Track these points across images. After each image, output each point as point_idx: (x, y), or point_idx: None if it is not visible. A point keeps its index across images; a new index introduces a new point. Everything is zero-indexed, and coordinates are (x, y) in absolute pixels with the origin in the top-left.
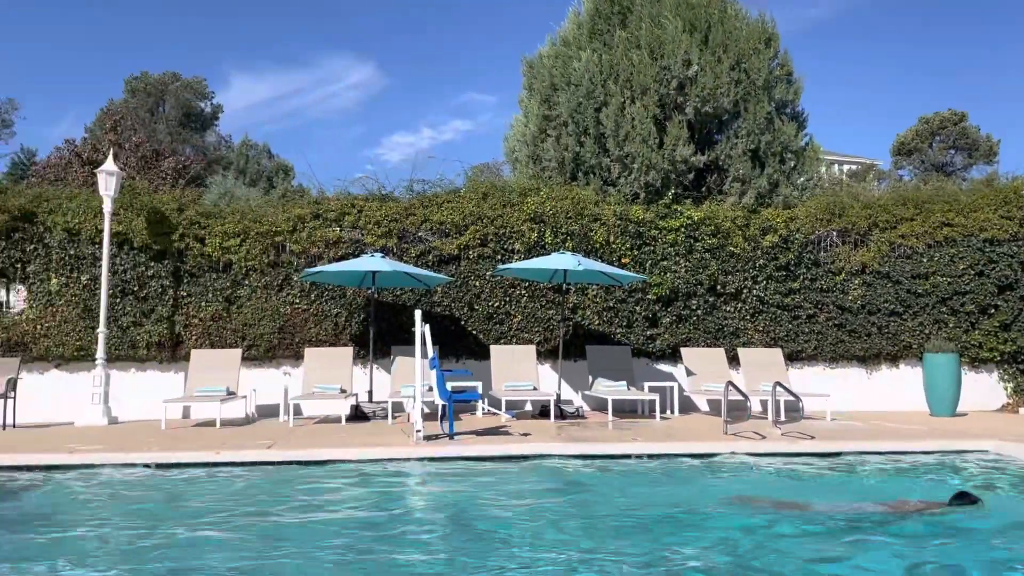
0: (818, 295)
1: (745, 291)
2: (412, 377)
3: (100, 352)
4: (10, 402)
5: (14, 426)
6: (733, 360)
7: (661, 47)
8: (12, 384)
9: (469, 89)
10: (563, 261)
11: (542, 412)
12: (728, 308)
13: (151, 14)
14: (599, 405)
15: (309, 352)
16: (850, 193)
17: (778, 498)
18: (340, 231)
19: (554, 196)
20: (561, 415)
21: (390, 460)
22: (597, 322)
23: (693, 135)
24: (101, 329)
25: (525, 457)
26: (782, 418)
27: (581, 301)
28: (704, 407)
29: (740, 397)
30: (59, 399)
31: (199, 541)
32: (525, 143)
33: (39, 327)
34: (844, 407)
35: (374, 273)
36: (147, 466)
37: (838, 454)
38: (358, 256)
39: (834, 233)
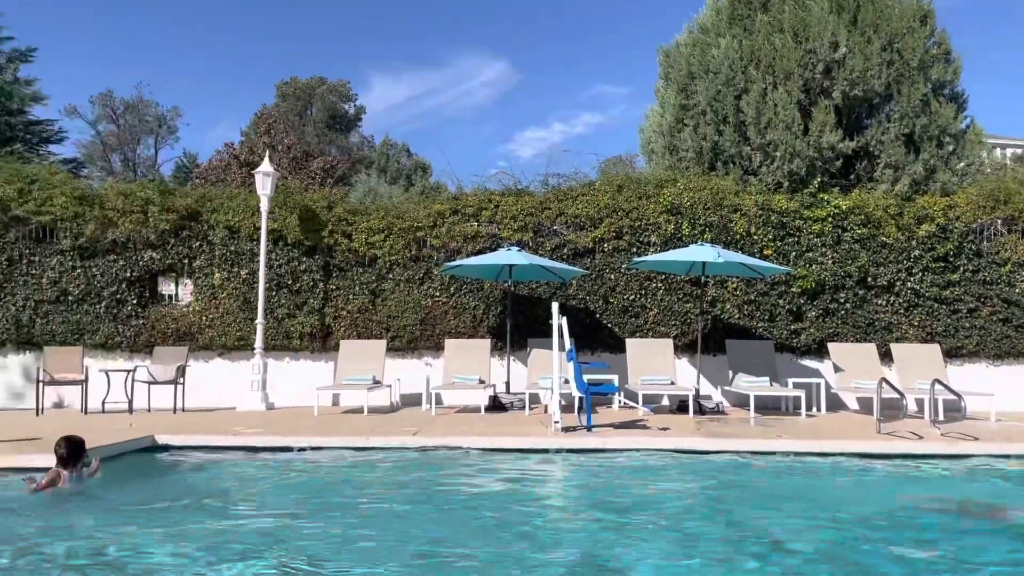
0: (980, 288)
1: (899, 283)
2: (548, 369)
3: (258, 342)
4: (180, 388)
5: (183, 410)
6: (885, 356)
7: (806, 30)
8: (181, 371)
9: (600, 82)
10: (702, 253)
11: (680, 407)
12: (880, 301)
13: (299, 22)
14: (740, 401)
15: (449, 343)
16: (1016, 178)
17: (965, 500)
18: (478, 226)
19: (692, 187)
20: (700, 410)
21: (530, 450)
22: (737, 316)
23: (840, 120)
24: (259, 320)
25: (664, 451)
26: (941, 418)
27: (720, 294)
28: (853, 405)
29: (895, 395)
30: (222, 385)
31: (355, 518)
32: (661, 134)
33: (204, 318)
34: (1010, 407)
35: (511, 267)
36: (303, 449)
37: (1006, 456)
38: (495, 250)
39: (998, 221)
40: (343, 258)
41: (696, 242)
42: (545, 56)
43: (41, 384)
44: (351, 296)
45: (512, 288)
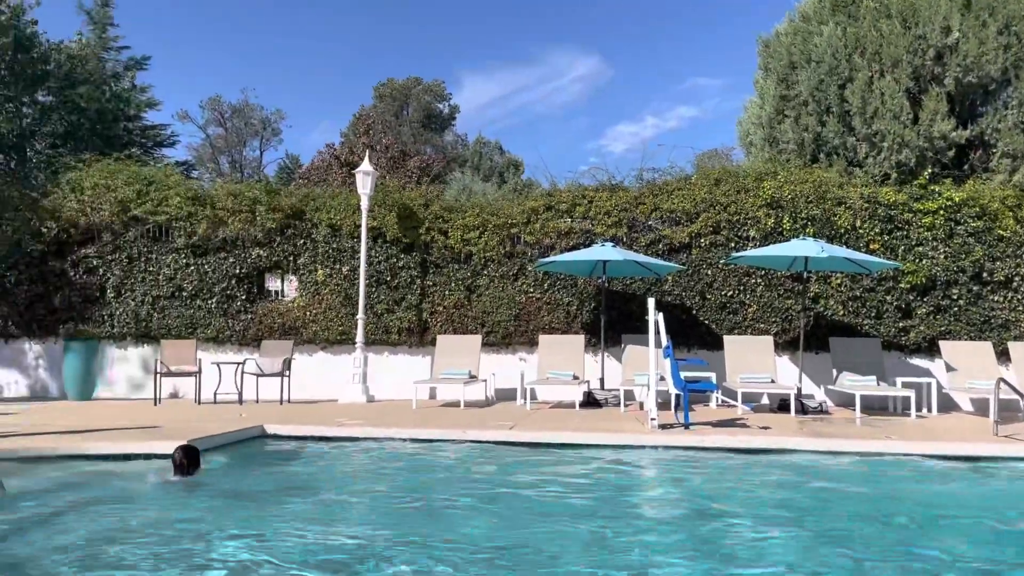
0: None
1: (1017, 279)
2: (643, 365)
3: (359, 336)
4: (285, 380)
5: (289, 401)
6: (1002, 355)
7: (915, 15)
8: (287, 364)
9: (695, 74)
10: (804, 248)
11: (780, 406)
12: (996, 298)
13: (395, 24)
14: (844, 401)
15: (543, 339)
16: None
17: None
18: (571, 222)
19: (793, 179)
20: (802, 409)
21: (627, 446)
22: (842, 312)
23: (953, 108)
24: (360, 315)
25: (766, 451)
26: None
27: (824, 290)
28: (967, 406)
29: (1015, 396)
30: (324, 378)
31: (452, 508)
32: (760, 125)
33: (308, 313)
34: None
35: (605, 262)
36: (403, 440)
37: None
38: (589, 246)
39: None
40: (439, 255)
41: (798, 236)
42: (638, 50)
43: (158, 375)
44: (447, 292)
45: (606, 284)
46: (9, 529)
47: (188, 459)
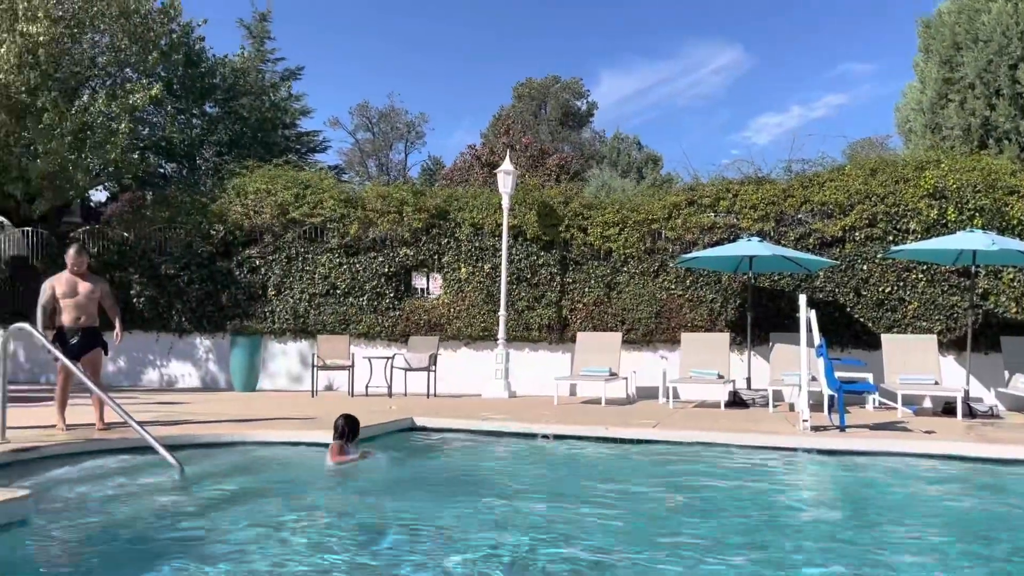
0: None
1: None
2: (792, 364)
3: (501, 333)
4: (432, 374)
5: (435, 395)
6: None
7: None
8: (433, 359)
9: (844, 60)
10: (972, 240)
11: (945, 409)
12: None
13: (533, 24)
14: (1017, 405)
15: (685, 337)
16: None
17: None
18: (715, 216)
19: (958, 168)
20: (970, 413)
21: (778, 448)
22: (1015, 310)
23: None
24: (501, 312)
25: (929, 456)
26: None
27: (994, 286)
28: None
29: None
30: (468, 373)
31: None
32: (921, 111)
33: (452, 310)
34: None
35: (751, 258)
36: (546, 436)
37: None
38: (733, 241)
39: None
40: (579, 252)
41: (964, 229)
42: (782, 38)
43: (315, 369)
44: (587, 289)
45: (752, 280)
46: (190, 510)
47: (349, 427)
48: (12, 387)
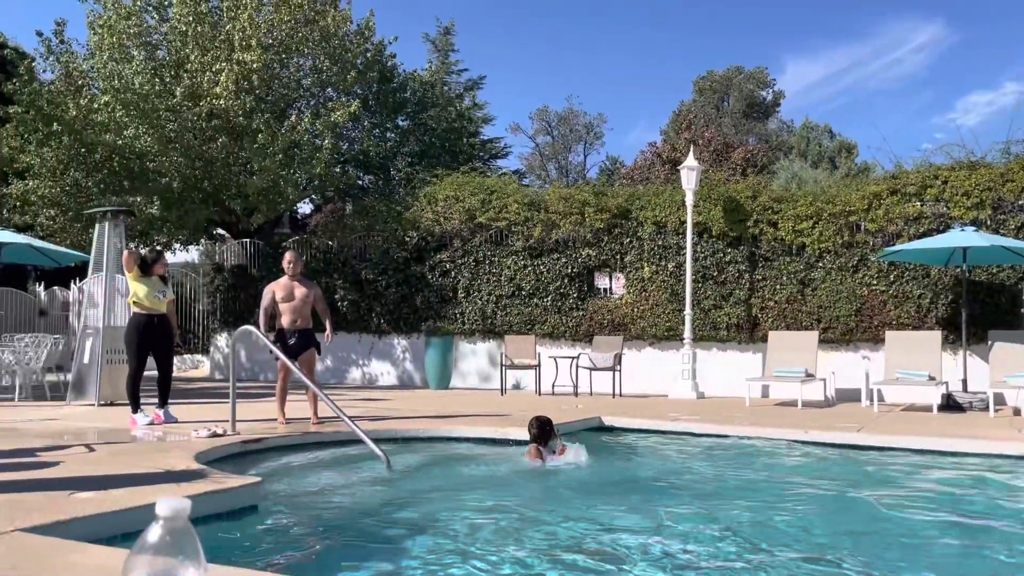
0: None
1: None
2: (1015, 365)
3: (687, 332)
4: (617, 374)
5: (620, 395)
6: None
7: None
8: (618, 359)
9: None
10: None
11: None
12: None
13: (711, 16)
14: None
15: (890, 336)
16: None
17: None
18: (921, 205)
19: None
20: None
21: (1006, 456)
22: None
23: None
24: (687, 311)
25: None
26: None
27: None
28: None
29: None
30: (653, 373)
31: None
32: None
33: (635, 310)
34: None
35: (965, 249)
36: (740, 438)
37: None
38: (943, 231)
39: None
40: (769, 247)
41: None
42: (991, 8)
43: (503, 368)
44: (778, 286)
45: (967, 274)
46: (398, 499)
47: (544, 429)
48: (237, 384)
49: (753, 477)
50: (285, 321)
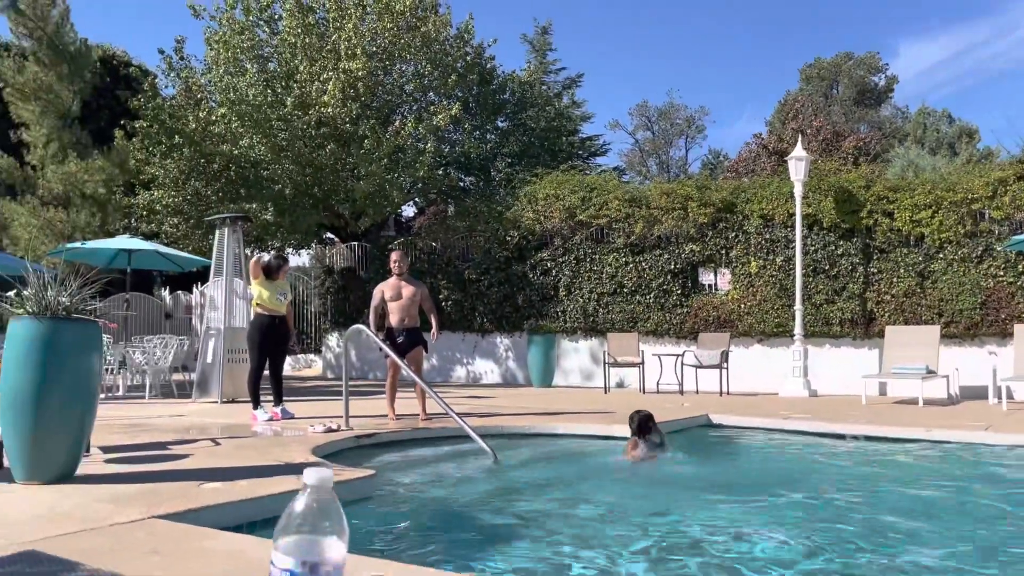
0: None
1: None
2: None
3: (798, 328)
4: (723, 372)
5: (728, 393)
6: None
7: None
8: (724, 356)
9: None
10: None
11: None
12: None
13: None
14: None
15: (1019, 329)
16: None
17: None
18: None
19: None
20: None
21: None
22: None
23: None
24: (797, 307)
25: None
26: None
27: None
28: None
29: None
30: (762, 371)
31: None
32: None
33: (742, 306)
34: None
35: None
36: (855, 437)
37: None
38: None
39: None
40: (884, 239)
41: None
42: None
43: (606, 366)
44: (895, 279)
45: None
46: (505, 494)
47: (644, 422)
48: (349, 382)
49: (869, 476)
50: (393, 320)
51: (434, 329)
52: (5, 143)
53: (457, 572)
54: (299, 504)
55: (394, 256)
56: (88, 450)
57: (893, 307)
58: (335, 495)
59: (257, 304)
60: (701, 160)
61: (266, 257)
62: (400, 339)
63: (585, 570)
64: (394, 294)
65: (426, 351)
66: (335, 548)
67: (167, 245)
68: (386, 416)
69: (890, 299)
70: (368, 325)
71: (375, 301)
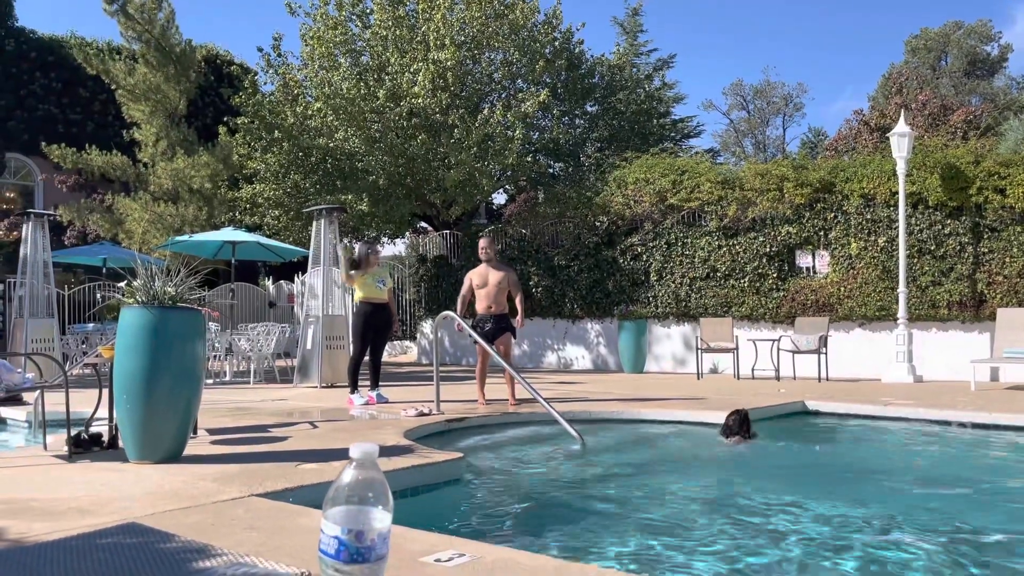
0: None
1: None
2: None
3: (901, 312)
4: (822, 357)
5: (827, 379)
6: None
7: None
8: (823, 341)
9: None
10: None
11: None
12: None
13: None
14: None
15: None
16: None
17: None
18: None
19: None
20: None
21: None
22: None
23: None
24: (901, 289)
25: None
26: None
27: None
28: None
29: None
30: (863, 356)
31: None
32: None
33: (842, 289)
34: None
35: None
36: (963, 424)
37: None
38: None
39: None
40: (996, 217)
41: None
42: None
43: (699, 351)
44: (1008, 259)
45: None
46: (593, 478)
47: (741, 423)
48: (441, 368)
49: (976, 465)
50: (480, 307)
51: (519, 316)
52: (119, 142)
53: (538, 553)
54: (346, 477)
55: (482, 243)
56: (195, 432)
57: (1005, 288)
58: (379, 468)
59: (359, 294)
60: (800, 139)
61: (356, 249)
62: (487, 326)
63: (669, 554)
64: (481, 281)
65: (514, 337)
66: (380, 518)
67: (269, 236)
68: (476, 401)
69: (1002, 280)
70: (457, 311)
71: (464, 289)
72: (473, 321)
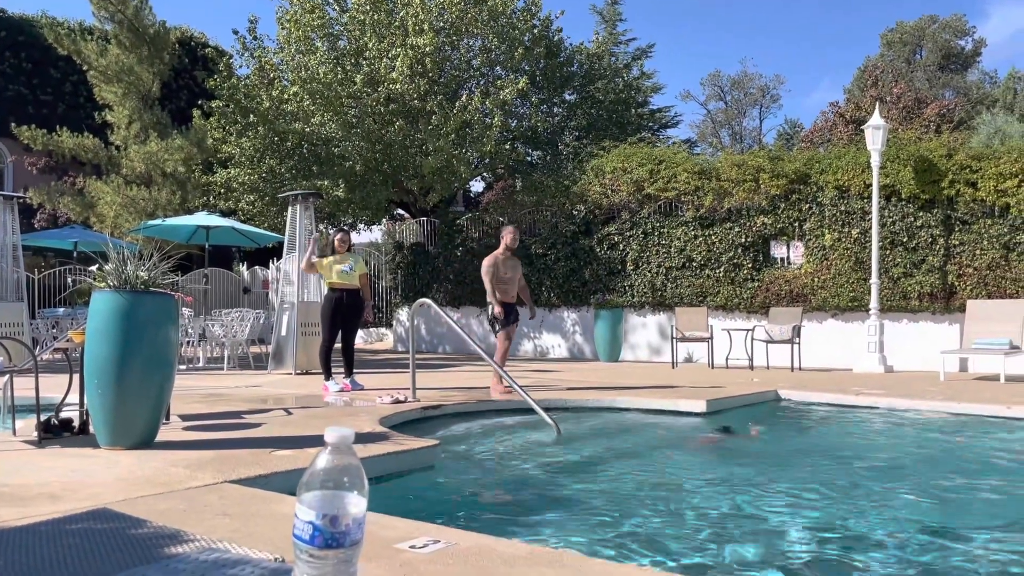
0: None
1: None
2: None
3: (873, 302)
4: (795, 347)
5: (799, 368)
6: None
7: None
8: (797, 331)
9: None
10: None
11: None
12: None
13: None
14: None
15: None
16: None
17: None
18: None
19: None
20: None
21: None
22: None
23: None
24: (873, 280)
25: None
26: None
27: None
28: None
29: None
30: (835, 346)
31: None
32: None
33: (815, 280)
34: None
35: None
36: (931, 413)
37: None
38: None
39: None
40: (967, 210)
41: None
42: None
43: (674, 341)
44: (978, 251)
45: None
46: (567, 466)
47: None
48: (417, 356)
49: (944, 454)
50: (507, 296)
51: (531, 307)
52: (91, 124)
53: (512, 539)
54: (321, 461)
55: (515, 234)
56: (168, 418)
57: (975, 280)
58: (355, 453)
59: (328, 281)
60: (777, 130)
61: (318, 243)
62: (512, 316)
63: (641, 539)
64: (508, 272)
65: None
66: (355, 503)
67: (244, 222)
68: (451, 388)
69: (972, 272)
70: (493, 297)
71: (491, 273)
72: (503, 310)
